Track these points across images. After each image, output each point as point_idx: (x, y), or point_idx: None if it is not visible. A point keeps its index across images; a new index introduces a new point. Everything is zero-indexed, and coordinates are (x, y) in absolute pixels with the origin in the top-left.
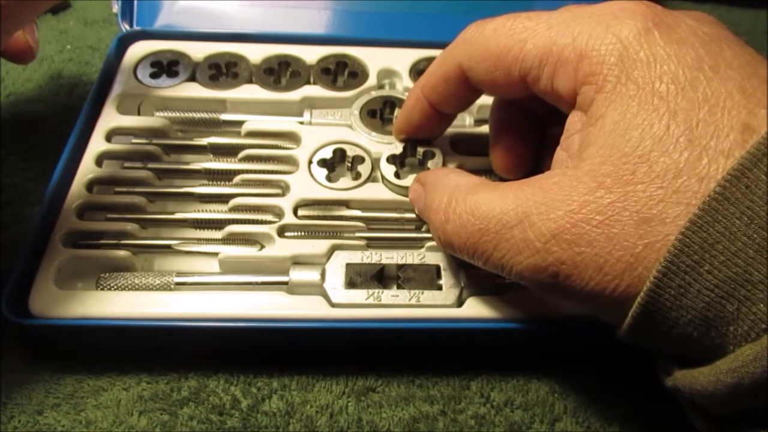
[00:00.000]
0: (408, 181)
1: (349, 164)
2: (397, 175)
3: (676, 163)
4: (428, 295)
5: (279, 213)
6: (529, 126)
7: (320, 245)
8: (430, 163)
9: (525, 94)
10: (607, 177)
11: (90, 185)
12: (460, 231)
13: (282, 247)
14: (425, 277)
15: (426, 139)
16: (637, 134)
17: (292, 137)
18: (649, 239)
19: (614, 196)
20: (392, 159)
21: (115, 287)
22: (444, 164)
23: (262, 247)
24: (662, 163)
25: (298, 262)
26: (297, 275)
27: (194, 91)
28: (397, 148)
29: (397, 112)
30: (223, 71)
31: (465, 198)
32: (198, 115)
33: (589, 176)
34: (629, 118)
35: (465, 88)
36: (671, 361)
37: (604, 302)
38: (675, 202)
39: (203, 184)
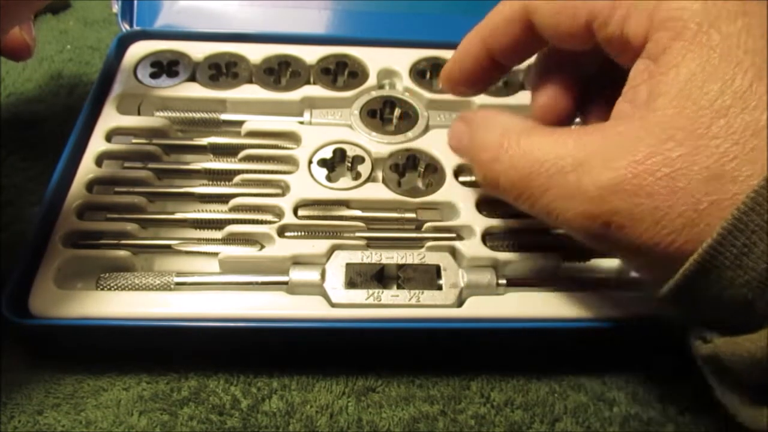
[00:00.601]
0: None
1: (349, 164)
2: (399, 183)
3: (757, 121)
4: (428, 295)
5: (279, 213)
6: (573, 79)
7: (320, 245)
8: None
9: (584, 46)
10: (679, 130)
11: (90, 185)
12: (510, 171)
13: (282, 247)
14: (425, 277)
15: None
16: (716, 88)
17: (292, 137)
18: (716, 196)
19: (685, 149)
20: (394, 168)
21: (115, 287)
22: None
23: (262, 247)
24: (741, 120)
25: (298, 262)
26: (297, 275)
27: (194, 91)
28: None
29: (397, 111)
30: (223, 71)
31: (519, 139)
32: (198, 115)
33: (659, 127)
34: (709, 70)
35: (527, 34)
36: (710, 329)
37: (655, 257)
38: (750, 161)
39: (203, 184)
